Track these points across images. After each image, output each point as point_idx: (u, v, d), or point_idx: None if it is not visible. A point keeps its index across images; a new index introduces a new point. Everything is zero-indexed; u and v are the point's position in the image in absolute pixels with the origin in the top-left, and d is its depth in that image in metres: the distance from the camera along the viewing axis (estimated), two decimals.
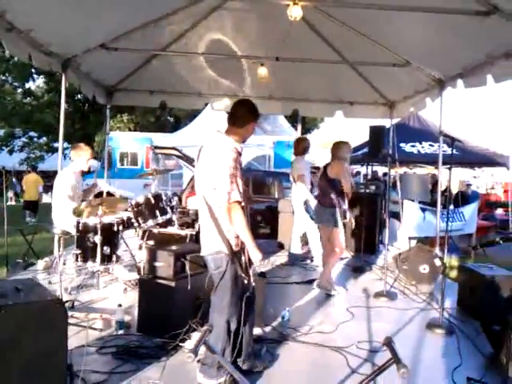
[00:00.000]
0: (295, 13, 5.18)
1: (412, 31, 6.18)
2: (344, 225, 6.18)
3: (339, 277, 7.01)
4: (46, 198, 19.31)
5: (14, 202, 21.80)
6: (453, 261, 8.71)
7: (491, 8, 4.64)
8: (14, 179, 23.41)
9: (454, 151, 5.13)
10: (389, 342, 2.26)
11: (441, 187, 8.07)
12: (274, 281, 6.27)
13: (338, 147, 6.23)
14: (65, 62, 6.88)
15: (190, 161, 10.79)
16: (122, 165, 18.54)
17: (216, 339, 3.32)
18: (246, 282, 3.42)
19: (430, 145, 13.04)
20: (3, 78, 24.56)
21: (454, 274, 7.51)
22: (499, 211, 17.47)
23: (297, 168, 7.36)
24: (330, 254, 6.10)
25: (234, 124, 3.54)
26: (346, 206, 6.08)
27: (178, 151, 11.16)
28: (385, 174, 16.54)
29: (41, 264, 6.59)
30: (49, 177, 32.34)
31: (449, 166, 5.99)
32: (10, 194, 23.34)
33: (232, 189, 3.27)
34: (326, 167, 6.18)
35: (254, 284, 3.47)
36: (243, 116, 3.55)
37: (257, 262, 3.41)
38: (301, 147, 7.49)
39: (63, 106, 7.46)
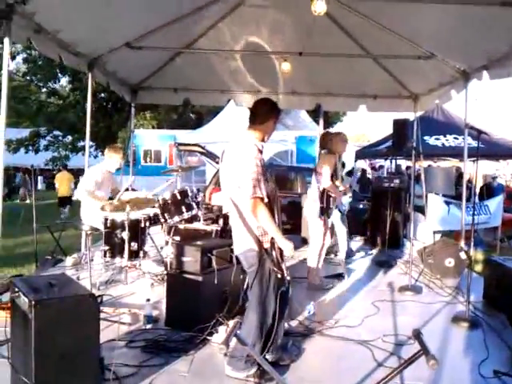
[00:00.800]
0: (319, 8, 5.20)
1: (436, 23, 6.14)
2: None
3: (365, 271, 7.02)
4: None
5: (28, 200, 22.07)
6: (478, 254, 8.64)
7: None
8: (26, 177, 23.72)
9: (480, 144, 5.09)
10: (418, 334, 2.27)
11: (466, 180, 7.99)
12: (298, 275, 6.30)
13: (324, 138, 6.23)
14: (91, 61, 7.01)
15: (213, 157, 10.83)
16: (146, 162, 18.74)
17: (247, 333, 3.38)
18: (279, 276, 3.46)
19: (455, 137, 12.90)
20: (28, 78, 24.90)
21: (479, 267, 7.45)
22: None
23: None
24: (316, 249, 6.05)
25: (255, 122, 3.60)
26: (326, 203, 5.89)
27: (201, 148, 11.21)
28: (408, 168, 16.41)
29: (69, 260, 6.73)
30: (73, 175, 32.84)
31: (474, 158, 5.93)
32: (22, 191, 23.71)
33: (254, 186, 3.32)
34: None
35: (288, 278, 3.50)
36: (263, 114, 3.61)
37: (289, 252, 3.43)
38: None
39: (90, 104, 7.59)
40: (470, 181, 11.20)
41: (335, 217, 7.13)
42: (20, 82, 25.04)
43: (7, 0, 4.70)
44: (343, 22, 7.32)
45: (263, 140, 3.62)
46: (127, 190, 6.21)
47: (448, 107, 13.70)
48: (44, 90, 26.13)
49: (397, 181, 8.75)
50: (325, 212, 5.86)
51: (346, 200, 7.12)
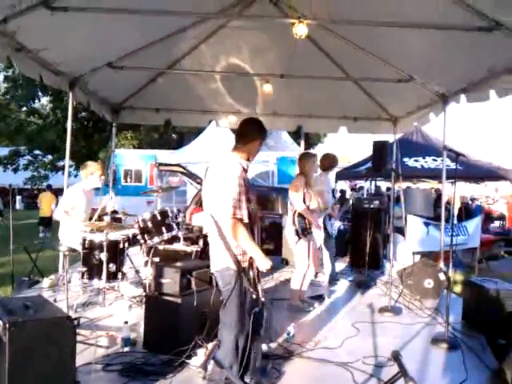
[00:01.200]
0: (300, 31, 5.28)
1: (415, 47, 6.26)
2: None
3: (345, 292, 7.03)
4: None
5: None
6: (457, 275, 8.70)
7: (493, 24, 4.72)
8: None
9: (458, 165, 5.16)
10: (396, 356, 2.27)
11: (444, 202, 8.07)
12: (278, 297, 6.28)
13: (301, 160, 6.20)
14: (72, 80, 6.99)
15: (194, 177, 10.81)
16: (126, 182, 18.60)
17: (224, 355, 3.33)
18: (254, 296, 3.44)
19: (434, 159, 13.06)
20: (8, 97, 24.78)
21: (458, 288, 7.51)
22: (496, 224, 17.57)
23: (321, 183, 7.09)
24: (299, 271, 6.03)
25: (240, 141, 3.61)
26: (294, 225, 5.86)
27: (182, 168, 11.18)
28: (388, 189, 16.56)
29: (46, 282, 6.61)
30: (53, 194, 32.47)
31: (452, 180, 6.01)
32: None
33: (235, 205, 3.31)
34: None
35: (263, 299, 3.48)
36: (250, 133, 3.62)
37: (264, 268, 3.41)
38: (328, 163, 7.25)
39: (70, 123, 7.56)
40: (448, 202, 11.33)
41: (319, 239, 7.11)
42: (0, 100, 24.91)
43: None
44: (324, 45, 7.43)
45: (248, 160, 3.62)
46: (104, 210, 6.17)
47: (427, 129, 13.90)
48: (24, 108, 26.01)
49: (376, 202, 8.81)
50: (300, 234, 5.85)
51: (338, 224, 7.13)
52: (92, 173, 6.39)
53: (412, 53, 6.58)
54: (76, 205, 6.22)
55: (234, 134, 3.70)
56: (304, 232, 5.84)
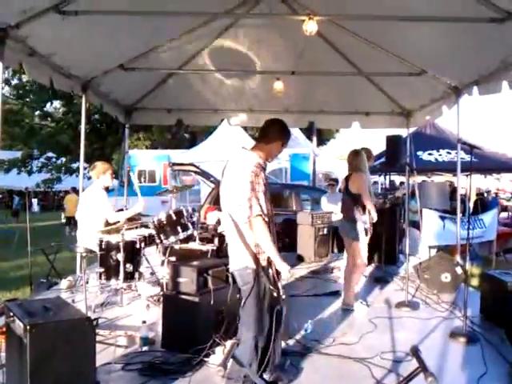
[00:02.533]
0: (310, 28, 5.26)
1: (426, 40, 6.21)
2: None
3: (361, 288, 7.01)
4: (64, 218, 19.59)
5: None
6: (474, 269, 8.64)
7: (506, 15, 4.67)
8: None
9: (472, 158, 5.12)
10: (415, 351, 2.26)
11: (459, 195, 8.02)
12: (294, 294, 6.29)
13: (355, 157, 6.07)
14: (85, 83, 7.05)
15: (207, 176, 10.88)
16: (140, 182, 18.73)
17: (243, 353, 3.33)
18: (275, 294, 3.45)
19: (448, 152, 13.00)
20: (21, 101, 25.03)
21: (475, 281, 7.45)
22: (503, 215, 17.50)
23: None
24: (351, 270, 6.00)
25: (262, 140, 3.62)
26: (366, 222, 5.84)
27: (195, 167, 11.25)
28: (401, 184, 16.48)
29: (64, 283, 6.68)
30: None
31: (467, 173, 5.96)
32: None
33: (253, 203, 3.31)
34: (347, 180, 6.03)
35: (284, 297, 3.49)
36: (272, 134, 3.62)
37: (286, 275, 3.40)
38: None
39: (83, 126, 7.62)
40: (463, 195, 11.25)
41: None
42: (13, 105, 25.13)
43: (0, 25, 4.75)
44: (335, 41, 7.40)
45: (267, 160, 3.62)
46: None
47: (440, 122, 13.82)
48: (37, 112, 26.26)
49: (391, 196, 8.77)
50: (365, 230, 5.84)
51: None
52: (103, 172, 6.45)
53: (423, 46, 6.52)
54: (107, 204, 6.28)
55: (259, 131, 3.69)
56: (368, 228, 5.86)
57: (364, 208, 5.81)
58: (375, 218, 5.85)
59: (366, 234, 5.89)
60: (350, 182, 5.94)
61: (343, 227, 6.08)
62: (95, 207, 6.19)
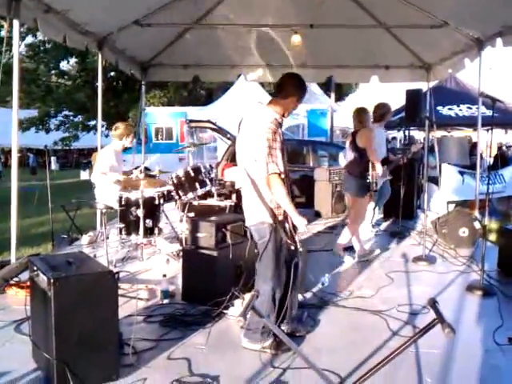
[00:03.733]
0: None
1: None
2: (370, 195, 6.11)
3: (377, 242, 7.04)
4: (83, 175, 19.73)
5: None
6: (492, 223, 8.60)
7: None
8: None
9: (494, 112, 5.03)
10: (433, 303, 2.29)
11: (479, 150, 7.92)
12: (312, 248, 6.34)
13: (362, 114, 6.07)
14: (101, 40, 7.00)
15: (224, 133, 10.82)
16: (157, 140, 18.77)
17: (261, 305, 3.39)
18: (292, 248, 3.49)
19: (468, 107, 12.77)
20: (35, 60, 24.94)
21: (493, 236, 7.43)
22: None
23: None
24: (352, 222, 6.08)
25: (278, 95, 3.58)
26: (369, 178, 5.79)
27: (212, 124, 11.20)
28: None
29: (85, 239, 6.80)
30: (84, 154, 32.93)
31: (488, 127, 5.87)
32: None
33: (271, 160, 3.31)
34: (354, 135, 6.00)
35: (301, 250, 3.52)
36: (288, 88, 3.57)
37: (303, 228, 3.44)
38: (378, 113, 6.98)
39: (100, 83, 7.60)
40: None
41: None
42: (29, 63, 25.07)
43: None
44: None
45: (283, 115, 3.57)
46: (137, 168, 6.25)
47: (461, 76, 13.52)
48: (53, 71, 26.17)
49: (415, 150, 8.69)
50: (368, 188, 5.84)
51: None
52: (127, 134, 6.48)
53: None
54: (112, 165, 6.33)
55: (275, 86, 3.65)
56: (372, 185, 5.85)
57: (369, 163, 5.79)
58: (380, 173, 5.85)
59: (369, 190, 5.89)
60: (358, 137, 5.90)
61: (346, 183, 6.11)
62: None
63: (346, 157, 6.41)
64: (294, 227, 3.50)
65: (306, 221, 3.43)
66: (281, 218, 3.46)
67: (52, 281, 2.85)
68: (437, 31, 7.04)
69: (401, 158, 7.03)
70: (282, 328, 3.65)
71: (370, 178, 5.79)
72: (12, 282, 4.70)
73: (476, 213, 6.98)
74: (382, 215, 8.49)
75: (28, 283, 3.64)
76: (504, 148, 17.30)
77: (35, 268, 3.19)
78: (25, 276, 4.49)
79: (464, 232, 6.51)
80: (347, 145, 6.12)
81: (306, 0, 7.35)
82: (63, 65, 26.11)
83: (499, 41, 6.27)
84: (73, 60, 25.88)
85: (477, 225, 6.46)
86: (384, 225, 8.23)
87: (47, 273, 2.96)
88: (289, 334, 3.62)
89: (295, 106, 3.64)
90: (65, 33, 6.01)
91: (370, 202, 6.49)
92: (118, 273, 4.96)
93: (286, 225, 3.48)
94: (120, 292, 4.29)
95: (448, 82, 13.47)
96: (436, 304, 2.29)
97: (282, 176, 3.36)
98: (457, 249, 6.40)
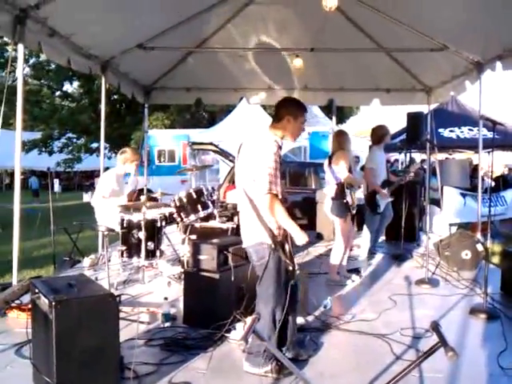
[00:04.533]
0: (330, 3, 5.22)
1: (448, 14, 6.08)
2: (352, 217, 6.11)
3: (380, 265, 7.02)
4: (86, 197, 19.76)
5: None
6: (495, 246, 8.57)
7: None
8: None
9: (495, 134, 5.05)
10: (436, 326, 2.28)
11: (481, 172, 7.93)
12: (314, 271, 6.32)
13: (338, 136, 6.15)
14: (104, 63, 7.07)
15: (226, 155, 10.89)
16: (160, 162, 18.85)
17: (262, 328, 3.37)
18: (290, 268, 3.48)
19: (470, 129, 12.82)
20: (42, 81, 25.22)
21: (496, 259, 7.39)
22: None
23: (367, 160, 7.05)
24: (335, 245, 6.07)
25: (274, 119, 3.64)
26: (350, 198, 5.88)
27: (214, 146, 11.28)
28: (422, 161, 16.26)
29: (87, 261, 6.78)
30: (87, 176, 33.07)
31: (489, 150, 5.88)
32: None
33: (270, 181, 3.33)
34: (330, 158, 6.05)
35: (298, 272, 3.52)
36: (281, 111, 3.63)
37: (301, 242, 3.43)
38: (376, 135, 7.03)
39: (104, 106, 7.67)
40: (485, 173, 11.12)
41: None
42: (33, 85, 25.33)
43: (20, 5, 4.78)
44: (354, 17, 7.29)
45: (283, 138, 3.63)
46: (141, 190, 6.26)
47: (462, 99, 13.61)
48: (57, 93, 26.43)
49: (412, 174, 8.71)
50: (347, 208, 5.87)
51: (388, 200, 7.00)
52: (131, 160, 6.51)
53: (445, 20, 6.38)
54: (113, 190, 6.34)
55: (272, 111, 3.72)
56: (350, 206, 5.88)
57: (344, 185, 5.85)
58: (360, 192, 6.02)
59: (349, 211, 5.92)
60: (333, 159, 5.95)
61: (330, 206, 6.09)
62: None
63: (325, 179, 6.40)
64: (294, 247, 3.51)
65: (307, 236, 3.43)
66: (280, 238, 3.46)
67: (53, 303, 2.85)
68: (437, 54, 7.10)
69: (402, 179, 7.05)
70: (284, 352, 3.62)
71: (348, 199, 5.83)
72: (13, 305, 4.69)
73: (478, 235, 6.96)
74: (383, 237, 8.47)
75: (29, 306, 3.62)
76: (505, 171, 17.24)
77: (36, 290, 3.19)
78: (26, 299, 4.49)
79: (467, 254, 6.49)
80: (325, 167, 6.11)
81: (308, 24, 7.42)
82: (67, 87, 26.38)
83: (499, 64, 6.31)
84: (76, 83, 26.15)
85: (479, 247, 6.44)
86: (386, 247, 8.20)
87: (48, 295, 2.96)
88: (291, 359, 3.59)
89: (295, 126, 3.66)
90: (68, 56, 6.07)
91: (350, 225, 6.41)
92: (119, 296, 4.98)
93: (286, 245, 3.48)
94: (121, 315, 4.29)
95: (449, 105, 13.55)
96: (439, 327, 2.28)
97: (280, 197, 3.38)
98: (459, 271, 6.36)
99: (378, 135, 6.99)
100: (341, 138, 6.11)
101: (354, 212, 6.06)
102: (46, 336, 2.99)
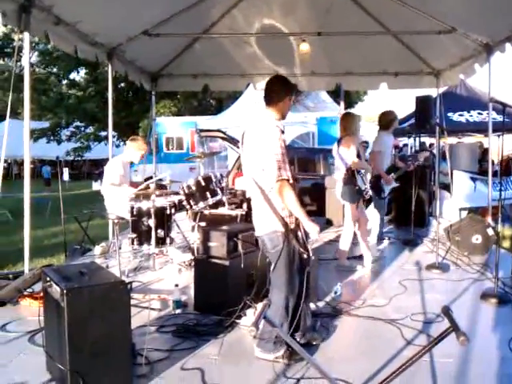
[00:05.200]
0: None
1: None
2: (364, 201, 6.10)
3: (390, 250, 7.00)
4: (95, 186, 19.81)
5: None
6: (506, 230, 8.53)
7: None
8: None
9: (505, 117, 4.99)
10: (447, 311, 2.26)
11: (491, 156, 7.85)
12: (324, 257, 6.31)
13: (346, 119, 6.08)
14: (110, 51, 7.06)
15: (234, 142, 10.85)
16: (168, 149, 18.85)
17: (274, 315, 3.39)
18: (305, 256, 3.48)
19: (479, 113, 12.69)
20: (48, 69, 25.20)
21: (507, 243, 7.37)
22: None
23: (375, 143, 7.02)
24: (345, 229, 6.08)
25: (271, 102, 3.59)
26: (362, 182, 5.88)
27: (222, 133, 11.24)
28: (430, 145, 16.14)
29: (97, 249, 6.82)
30: (96, 165, 33.15)
31: (499, 133, 5.83)
32: None
33: (279, 167, 3.32)
34: (339, 143, 6.00)
35: (313, 258, 3.51)
36: (278, 92, 3.59)
37: (315, 235, 3.44)
38: (384, 121, 6.97)
39: (111, 94, 7.66)
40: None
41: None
42: (40, 74, 25.33)
43: None
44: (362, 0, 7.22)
45: (283, 118, 3.61)
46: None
47: (471, 82, 13.47)
48: (64, 81, 26.42)
49: (421, 159, 8.66)
50: (359, 193, 5.86)
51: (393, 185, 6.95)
52: (139, 149, 6.52)
53: (453, 2, 6.32)
54: (121, 176, 6.36)
55: (265, 94, 3.65)
56: (363, 191, 5.87)
57: (354, 170, 5.83)
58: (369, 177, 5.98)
59: (363, 197, 5.91)
60: (341, 144, 5.92)
61: (340, 191, 6.06)
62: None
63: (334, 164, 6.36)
64: (307, 235, 3.50)
65: (319, 228, 3.42)
66: (293, 226, 3.46)
67: (65, 291, 2.86)
68: (445, 37, 7.02)
69: (409, 165, 7.00)
70: (297, 337, 3.63)
71: (359, 184, 5.81)
72: (25, 293, 4.73)
73: (489, 219, 6.92)
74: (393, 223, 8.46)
75: (41, 294, 3.65)
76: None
77: (48, 279, 3.20)
78: (38, 287, 4.52)
79: (477, 239, 6.45)
80: (334, 153, 6.06)
81: (314, 8, 7.35)
82: (74, 75, 26.36)
83: (508, 46, 6.24)
84: (83, 71, 26.12)
85: (490, 232, 6.40)
86: (396, 233, 8.18)
87: (60, 283, 2.97)
88: (302, 344, 3.60)
89: (290, 105, 3.66)
90: (75, 44, 6.07)
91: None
92: (130, 283, 5.01)
93: (299, 233, 3.48)
94: (132, 302, 4.30)
95: (458, 88, 13.42)
96: (450, 312, 2.27)
97: (291, 181, 3.37)
98: (470, 256, 6.34)
99: (387, 120, 6.92)
100: (346, 122, 6.05)
101: (367, 197, 6.03)
102: (58, 324, 3.01)
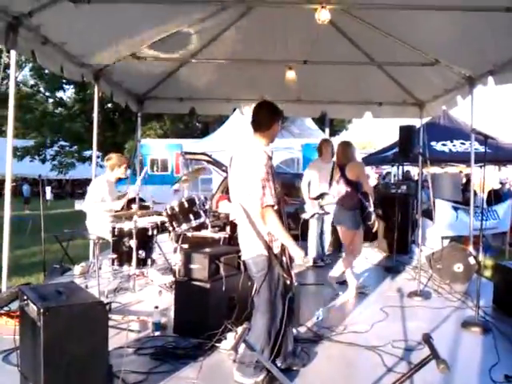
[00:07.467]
0: (323, 16, 5.24)
1: (440, 30, 6.14)
2: (368, 226, 6.07)
3: (372, 277, 7.00)
4: (77, 205, 19.64)
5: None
6: (487, 259, 8.59)
7: None
8: None
9: (487, 149, 5.06)
10: (427, 339, 2.26)
11: (473, 186, 7.95)
12: (306, 282, 6.29)
13: (348, 147, 6.10)
14: (97, 72, 7.07)
15: (219, 165, 10.86)
16: (153, 171, 18.81)
17: (256, 339, 3.37)
18: (288, 282, 3.48)
19: (462, 143, 12.89)
20: (35, 87, 25.21)
21: (488, 272, 7.41)
22: None
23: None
24: (347, 255, 6.08)
25: (259, 128, 3.60)
26: (371, 207, 5.86)
27: (207, 156, 11.25)
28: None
29: (77, 269, 6.73)
30: (80, 184, 32.98)
31: (481, 164, 5.91)
32: None
33: (264, 193, 3.33)
34: (342, 169, 5.99)
35: (295, 284, 3.51)
36: (265, 118, 3.60)
37: (300, 260, 3.46)
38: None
39: (96, 114, 7.65)
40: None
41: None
42: (26, 92, 25.30)
43: (13, 13, 4.78)
44: (347, 30, 7.32)
45: (271, 142, 3.63)
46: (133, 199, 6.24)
47: (454, 113, 13.72)
48: (51, 100, 26.40)
49: (404, 187, 8.73)
50: (365, 219, 5.86)
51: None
52: (119, 165, 6.54)
53: (437, 35, 6.45)
54: (104, 196, 6.34)
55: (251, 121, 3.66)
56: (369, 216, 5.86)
57: (365, 195, 5.82)
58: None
59: (371, 220, 5.87)
60: (347, 170, 5.91)
61: (340, 216, 6.05)
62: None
63: (330, 190, 6.36)
64: (291, 261, 3.50)
65: (303, 253, 3.42)
66: (277, 250, 3.45)
67: (41, 311, 2.82)
68: (428, 69, 7.16)
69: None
70: (277, 362, 3.60)
71: (369, 207, 5.80)
72: (2, 312, 4.64)
73: (470, 248, 6.97)
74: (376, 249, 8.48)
75: (18, 313, 3.58)
76: (498, 185, 17.34)
77: (25, 297, 3.15)
78: (15, 305, 4.43)
79: (459, 267, 6.48)
80: (336, 178, 6.08)
81: (301, 37, 7.44)
82: (61, 94, 26.38)
83: (490, 79, 6.36)
84: (70, 90, 26.15)
85: (472, 260, 6.43)
86: (379, 259, 8.20)
87: (37, 302, 2.92)
88: (285, 369, 3.56)
89: (278, 130, 3.67)
90: (61, 64, 6.06)
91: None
92: (109, 304, 4.93)
93: (283, 258, 3.48)
94: (111, 323, 4.23)
95: (441, 118, 13.64)
96: (431, 340, 2.26)
97: (276, 207, 3.38)
98: (452, 284, 6.36)
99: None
100: (347, 150, 6.07)
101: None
102: (34, 343, 2.95)
